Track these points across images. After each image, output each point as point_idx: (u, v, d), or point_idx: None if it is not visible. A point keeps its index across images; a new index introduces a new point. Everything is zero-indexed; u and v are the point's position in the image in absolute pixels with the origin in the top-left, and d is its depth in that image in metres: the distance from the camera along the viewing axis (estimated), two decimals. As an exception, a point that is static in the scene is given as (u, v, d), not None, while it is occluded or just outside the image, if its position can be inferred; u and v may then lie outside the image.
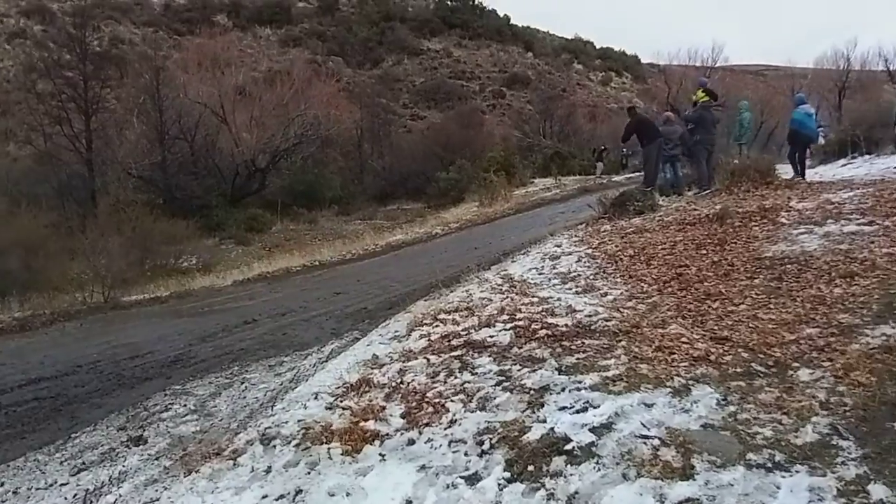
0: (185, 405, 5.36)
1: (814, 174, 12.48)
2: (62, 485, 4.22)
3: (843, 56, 33.36)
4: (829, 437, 3.08)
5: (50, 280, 12.98)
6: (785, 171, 11.53)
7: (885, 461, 2.86)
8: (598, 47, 65.81)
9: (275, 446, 3.87)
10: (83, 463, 4.51)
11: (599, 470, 3.03)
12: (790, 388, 3.59)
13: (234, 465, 3.81)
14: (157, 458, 4.35)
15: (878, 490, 2.66)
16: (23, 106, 25.14)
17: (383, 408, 4.06)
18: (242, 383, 5.66)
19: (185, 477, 3.84)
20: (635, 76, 61.67)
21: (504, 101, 50.02)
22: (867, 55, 34.12)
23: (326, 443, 3.71)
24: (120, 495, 3.86)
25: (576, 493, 2.91)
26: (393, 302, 8.08)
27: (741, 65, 47.33)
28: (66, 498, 4.04)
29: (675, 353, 4.21)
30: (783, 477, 2.82)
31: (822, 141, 17.67)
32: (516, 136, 37.95)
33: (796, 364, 3.87)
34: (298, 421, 4.11)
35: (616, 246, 7.91)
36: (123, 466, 4.29)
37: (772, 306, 4.91)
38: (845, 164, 15.05)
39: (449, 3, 60.79)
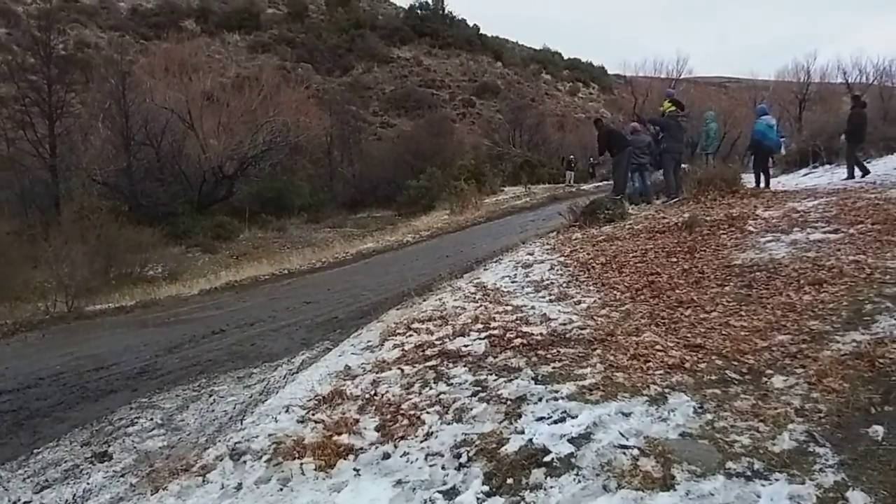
0: (151, 419, 5.16)
1: (777, 183, 12.81)
2: (25, 503, 4.06)
3: (803, 69, 34.49)
4: (806, 445, 3.09)
5: (11, 289, 12.59)
6: (749, 180, 11.78)
7: (862, 468, 2.88)
8: (566, 58, 66.78)
9: (245, 462, 3.73)
10: (46, 480, 4.32)
11: (579, 482, 2.98)
12: (765, 396, 3.60)
13: (203, 481, 3.66)
14: (122, 475, 4.17)
15: (857, 497, 2.67)
16: None
17: (357, 421, 3.95)
18: (211, 396, 5.47)
19: (151, 494, 3.68)
20: (602, 87, 62.64)
21: (474, 109, 50.27)
22: (826, 68, 35.43)
23: (299, 458, 3.58)
24: None
25: (556, 505, 2.85)
26: (364, 311, 7.96)
27: (705, 77, 48.41)
28: None
29: (650, 361, 4.20)
30: (763, 485, 2.81)
31: (783, 151, 18.15)
32: (486, 145, 38.17)
33: (770, 371, 3.89)
34: (269, 435, 3.97)
35: (588, 254, 7.93)
36: (88, 484, 4.12)
37: (743, 313, 4.95)
38: (807, 174, 15.50)
39: (419, 11, 60.99)
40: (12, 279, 13.15)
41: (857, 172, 11.77)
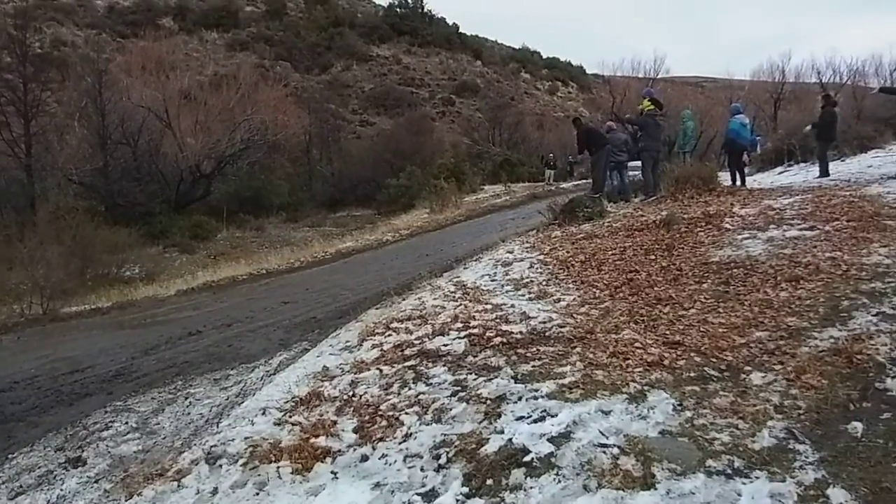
0: (126, 423, 5.06)
1: (752, 181, 12.95)
2: None
3: (778, 68, 34.97)
4: (786, 442, 3.10)
5: None
6: (725, 178, 11.91)
7: (842, 464, 2.89)
8: (544, 57, 67.02)
9: (221, 466, 3.66)
10: (21, 486, 4.23)
11: (559, 482, 2.95)
12: (744, 393, 3.61)
13: (179, 486, 3.59)
14: (96, 481, 4.10)
15: (837, 494, 2.68)
16: None
17: (335, 422, 3.89)
18: (187, 398, 5.37)
19: (126, 500, 3.61)
20: (581, 86, 62.97)
21: (453, 108, 50.24)
22: (801, 68, 35.91)
23: (275, 461, 3.52)
24: None
25: (536, 506, 2.83)
26: (343, 311, 7.87)
27: (682, 76, 48.92)
28: None
29: (629, 359, 4.20)
30: (743, 483, 2.81)
31: (759, 150, 18.41)
32: (466, 143, 38.12)
33: (748, 368, 3.91)
34: (245, 438, 3.90)
35: (567, 252, 7.93)
36: (62, 490, 4.05)
37: (721, 310, 4.97)
38: (782, 172, 15.69)
39: (398, 10, 60.76)
40: None
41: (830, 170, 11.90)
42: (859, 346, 3.90)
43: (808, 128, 12.77)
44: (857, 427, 3.15)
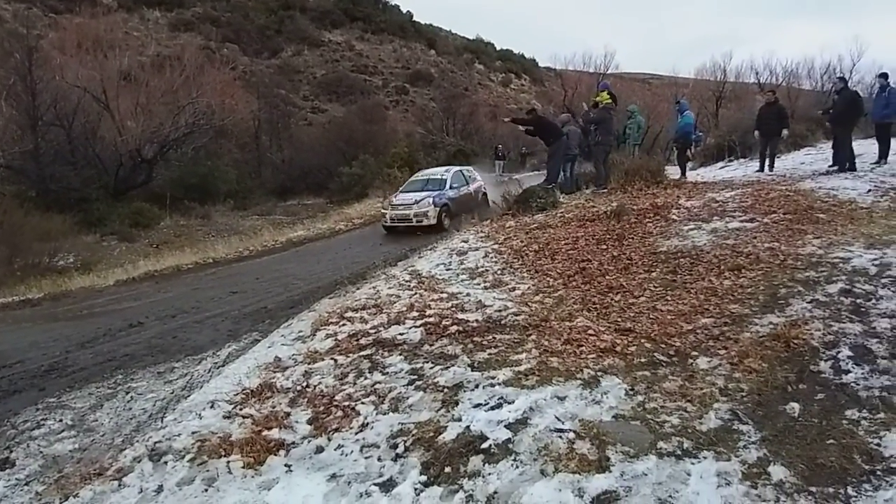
0: (60, 420, 4.78)
1: (696, 175, 13.36)
2: None
3: (720, 67, 36.04)
4: (731, 423, 3.24)
5: None
6: (672, 172, 12.25)
7: (782, 443, 3.04)
8: (498, 49, 67.18)
9: (166, 462, 3.53)
10: None
11: (517, 467, 3.01)
12: (691, 377, 3.76)
13: (120, 485, 3.44)
14: (27, 483, 3.85)
15: (777, 471, 2.82)
16: None
17: (288, 414, 3.82)
18: (128, 393, 5.13)
19: (61, 502, 3.43)
20: (533, 79, 63.45)
21: (407, 97, 49.83)
22: (741, 68, 37.12)
23: (225, 455, 3.43)
24: None
25: (495, 492, 2.87)
26: (295, 301, 7.74)
27: (630, 72, 49.63)
28: None
29: (583, 346, 4.31)
30: (692, 464, 2.93)
31: (700, 146, 18.95)
32: (420, 133, 37.94)
33: (695, 353, 4.08)
34: (193, 433, 3.77)
35: (521, 241, 8.02)
36: None
37: (669, 298, 5.16)
38: (723, 167, 16.25)
39: (351, -5, 59.77)
40: None
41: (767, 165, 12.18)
42: (796, 331, 4.12)
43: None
44: (795, 407, 3.33)
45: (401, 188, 15.42)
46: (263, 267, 11.50)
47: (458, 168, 16.06)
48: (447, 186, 14.18)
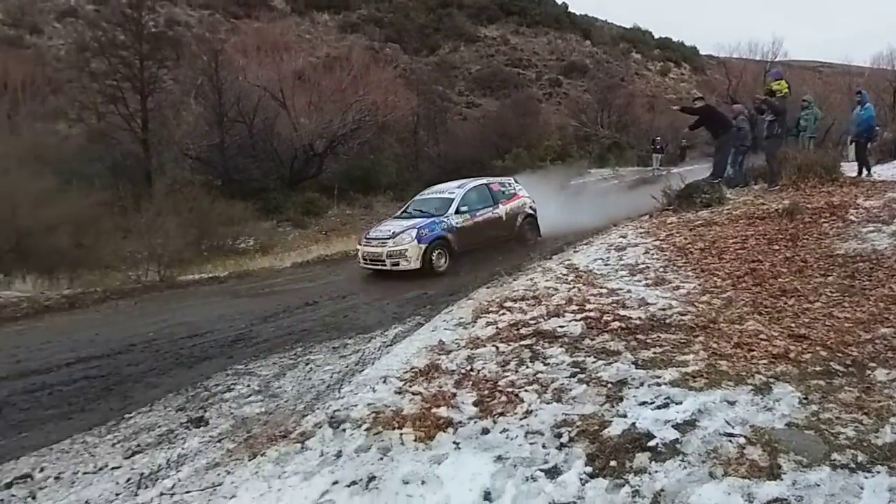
0: (248, 385, 5.13)
1: (873, 173, 12.01)
2: (114, 468, 3.93)
3: (899, 55, 31.45)
4: (907, 438, 2.99)
5: (100, 258, 12.95)
6: (849, 168, 11.18)
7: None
8: (656, 37, 63.98)
9: (344, 430, 3.78)
10: (138, 445, 4.23)
11: (685, 468, 2.93)
12: (868, 389, 3.52)
13: (302, 448, 3.69)
14: (219, 441, 4.14)
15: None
16: (74, 84, 24.97)
17: (454, 394, 3.99)
18: (307, 364, 5.55)
19: (249, 460, 3.68)
20: (694, 67, 59.77)
21: (561, 89, 49.16)
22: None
23: (398, 428, 3.63)
24: (179, 479, 3.64)
25: (661, 490, 2.81)
26: (454, 288, 7.98)
27: (799, 60, 45.10)
28: (117, 483, 3.74)
29: (753, 350, 4.12)
30: (866, 477, 2.77)
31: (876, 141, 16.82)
32: (573, 126, 37.22)
33: (873, 364, 3.80)
34: (368, 405, 4.04)
35: (685, 238, 7.71)
36: (183, 449, 4.08)
37: (846, 305, 4.81)
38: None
39: (507, -10, 60.00)
40: (102, 248, 13.60)
41: None
42: None
43: None
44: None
45: (400, 211, 11.99)
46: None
47: (481, 182, 11.64)
48: (451, 210, 10.39)
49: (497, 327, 5.21)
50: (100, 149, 21.14)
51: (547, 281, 6.68)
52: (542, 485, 2.99)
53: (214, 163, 23.26)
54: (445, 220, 10.16)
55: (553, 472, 3.07)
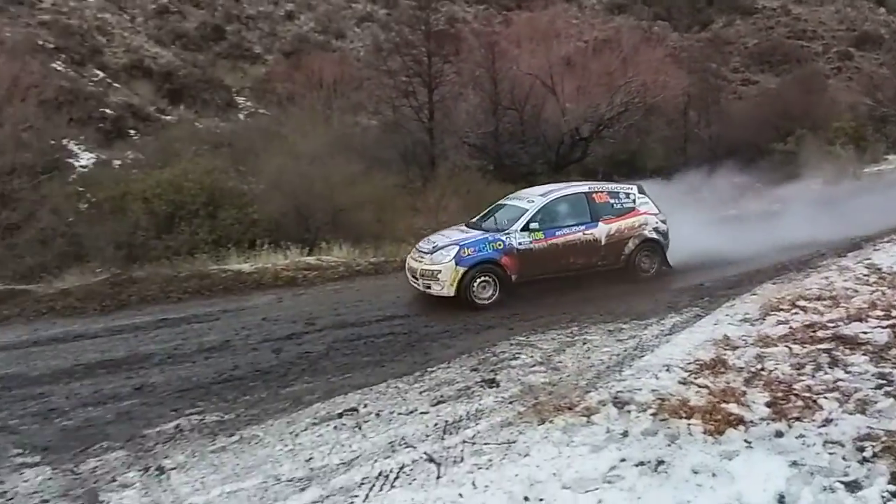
0: (531, 356, 5.49)
1: None
2: (422, 413, 4.48)
3: None
4: None
5: (395, 232, 14.32)
6: None
7: None
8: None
9: (629, 411, 3.95)
10: (441, 396, 4.78)
11: None
12: None
13: (588, 422, 3.92)
14: (510, 403, 4.51)
15: None
16: (373, 81, 27.78)
17: (744, 392, 3.98)
18: (584, 343, 5.80)
19: (538, 425, 3.96)
20: None
21: (851, 63, 41.88)
22: None
23: (685, 418, 3.71)
24: (478, 431, 4.06)
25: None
26: (734, 282, 7.63)
27: None
28: (427, 425, 4.28)
29: None
30: None
31: None
32: (867, 105, 31.67)
33: None
34: (652, 390, 4.19)
35: None
36: (479, 405, 4.51)
37: None
38: None
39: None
40: (398, 224, 15.14)
41: None
42: None
43: None
44: None
45: (478, 217, 9.71)
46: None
47: (580, 189, 8.90)
48: (517, 226, 8.08)
49: (790, 327, 4.99)
50: (393, 137, 23.76)
51: (845, 281, 6.14)
52: (841, 497, 2.93)
53: (488, 149, 24.84)
54: (503, 238, 7.95)
55: (853, 486, 2.99)
